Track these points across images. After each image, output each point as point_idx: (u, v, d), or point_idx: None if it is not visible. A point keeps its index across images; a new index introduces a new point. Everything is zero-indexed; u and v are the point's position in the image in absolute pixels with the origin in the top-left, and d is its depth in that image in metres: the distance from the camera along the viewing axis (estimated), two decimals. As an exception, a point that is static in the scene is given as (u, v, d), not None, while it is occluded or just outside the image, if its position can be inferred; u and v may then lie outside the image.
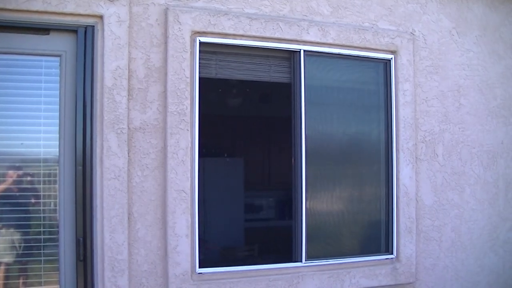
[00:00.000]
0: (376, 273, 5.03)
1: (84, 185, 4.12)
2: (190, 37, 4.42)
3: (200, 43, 4.48)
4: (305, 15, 4.87)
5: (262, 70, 4.88)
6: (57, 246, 4.08)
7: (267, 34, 4.68)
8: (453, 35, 5.51)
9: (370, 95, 5.17)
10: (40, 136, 4.12)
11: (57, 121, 4.09)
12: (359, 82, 5.13)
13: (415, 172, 5.24)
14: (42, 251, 4.07)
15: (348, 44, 4.99)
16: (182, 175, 4.35)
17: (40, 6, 3.96)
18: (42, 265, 4.08)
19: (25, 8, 3.94)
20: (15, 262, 4.08)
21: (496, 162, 5.69)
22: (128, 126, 4.19)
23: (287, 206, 10.23)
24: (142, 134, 4.27)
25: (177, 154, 4.33)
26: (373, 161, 5.18)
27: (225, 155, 9.39)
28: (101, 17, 4.14)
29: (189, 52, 4.40)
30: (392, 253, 5.17)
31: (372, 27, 5.12)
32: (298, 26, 4.79)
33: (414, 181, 5.23)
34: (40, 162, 4.10)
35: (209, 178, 5.67)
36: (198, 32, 4.47)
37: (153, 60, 4.33)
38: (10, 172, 4.03)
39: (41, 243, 4.07)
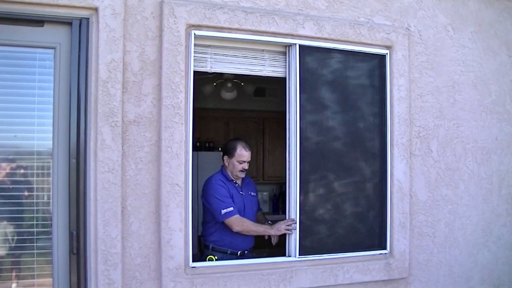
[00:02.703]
0: (369, 268, 5.04)
1: (78, 178, 4.11)
2: (185, 30, 4.41)
3: (195, 36, 4.47)
4: (301, 9, 4.86)
5: (257, 64, 4.86)
6: (50, 239, 4.07)
7: (263, 28, 4.67)
8: (448, 31, 5.51)
9: (365, 90, 5.16)
10: (34, 128, 4.11)
11: (51, 113, 4.08)
12: (354, 77, 5.12)
13: (409, 167, 5.25)
14: (35, 244, 4.06)
15: (343, 38, 4.98)
16: (176, 169, 4.34)
17: (35, -2, 3.96)
18: (35, 258, 4.07)
19: (19, 0, 3.92)
20: (8, 255, 4.07)
21: (490, 158, 5.70)
22: (122, 119, 4.18)
23: (281, 200, 10.28)
24: (136, 127, 4.26)
25: (171, 148, 4.32)
26: (367, 156, 5.17)
27: (219, 149, 9.43)
28: (96, 9, 4.13)
29: (184, 46, 4.39)
30: (385, 249, 5.17)
31: (368, 22, 5.11)
32: (294, 20, 4.78)
33: (408, 177, 5.24)
34: (33, 155, 4.09)
35: (203, 172, 5.68)
36: (193, 26, 4.45)
37: (148, 53, 4.32)
38: (3, 164, 4.02)
39: (34, 236, 4.06)
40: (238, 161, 5.15)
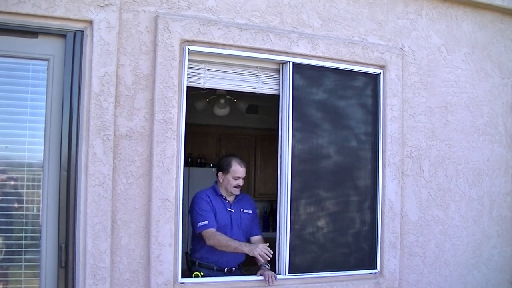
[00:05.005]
0: (359, 288, 5.03)
1: (68, 191, 4.09)
2: (179, 45, 4.41)
3: (189, 51, 4.47)
4: (295, 27, 4.88)
5: (250, 80, 4.86)
6: (38, 252, 4.04)
7: (257, 45, 4.68)
8: (442, 51, 5.54)
9: (358, 109, 5.17)
10: (25, 140, 4.08)
11: (43, 125, 4.07)
12: (347, 96, 5.13)
13: (400, 187, 5.25)
14: (23, 257, 4.02)
15: (337, 57, 5.00)
16: (167, 184, 4.33)
17: (30, 9, 3.94)
18: (22, 271, 4.04)
19: (14, 11, 3.91)
20: (-5, 267, 4.04)
21: (482, 180, 5.71)
22: (114, 133, 4.17)
23: (272, 218, 10.23)
24: (128, 141, 4.25)
25: (162, 163, 4.31)
26: (359, 175, 5.17)
27: (211, 165, 9.42)
28: (90, 22, 4.12)
29: (177, 60, 4.39)
30: (376, 268, 5.16)
31: (362, 41, 5.13)
32: (288, 38, 4.79)
33: (399, 196, 5.23)
34: (24, 167, 4.06)
35: (194, 188, 5.65)
36: (188, 41, 4.46)
37: (142, 67, 4.31)
38: (-7, 176, 4.00)
39: (22, 248, 4.02)
40: (233, 177, 5.09)
